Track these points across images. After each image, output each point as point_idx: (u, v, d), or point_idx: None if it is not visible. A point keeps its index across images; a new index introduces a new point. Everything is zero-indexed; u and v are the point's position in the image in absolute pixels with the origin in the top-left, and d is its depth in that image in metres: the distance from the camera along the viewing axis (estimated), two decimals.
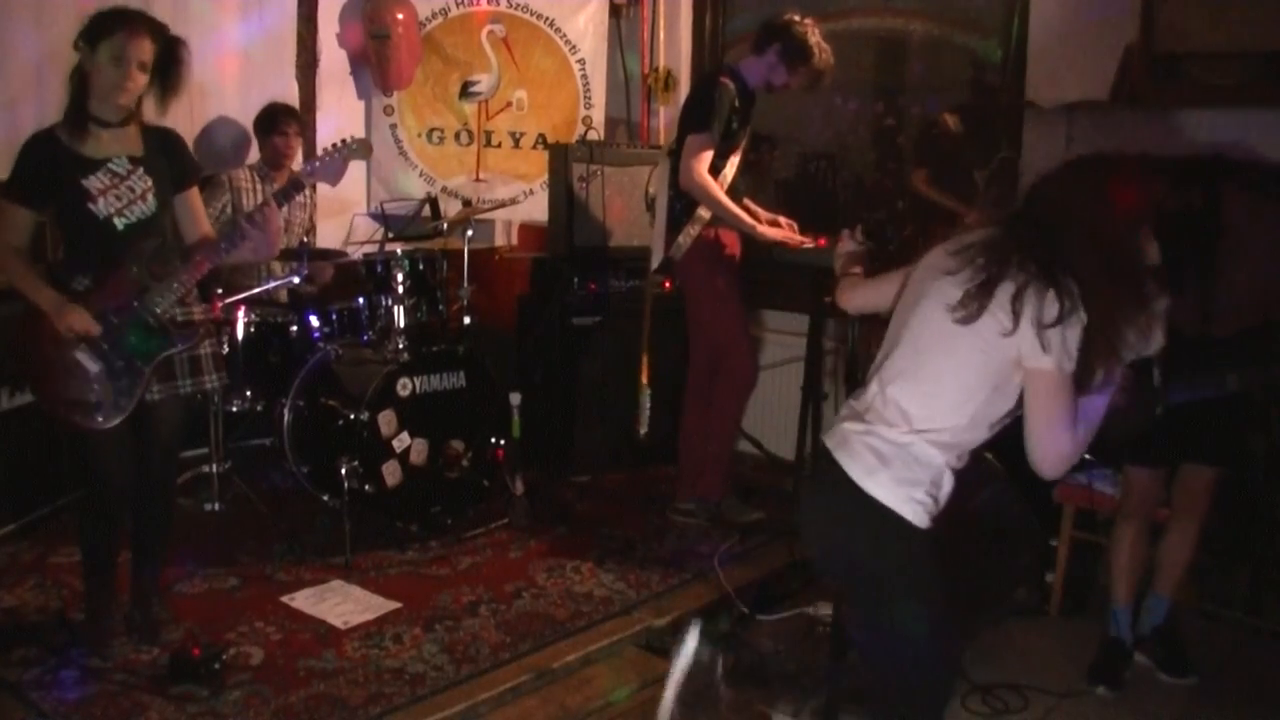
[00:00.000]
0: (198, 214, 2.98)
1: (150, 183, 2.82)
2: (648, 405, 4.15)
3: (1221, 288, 2.86)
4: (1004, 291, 1.93)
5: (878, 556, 2.07)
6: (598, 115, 5.64)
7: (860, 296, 2.43)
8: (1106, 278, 1.91)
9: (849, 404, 2.15)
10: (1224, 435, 3.00)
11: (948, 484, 2.03)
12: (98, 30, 2.69)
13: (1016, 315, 1.91)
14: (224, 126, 4.87)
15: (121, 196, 2.78)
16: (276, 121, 4.57)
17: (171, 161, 2.90)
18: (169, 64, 2.77)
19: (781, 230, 3.92)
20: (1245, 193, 2.87)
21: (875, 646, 2.22)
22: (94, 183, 2.75)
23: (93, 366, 2.76)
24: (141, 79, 2.73)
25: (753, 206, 3.96)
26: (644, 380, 4.14)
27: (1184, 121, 3.35)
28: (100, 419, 2.77)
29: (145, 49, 2.70)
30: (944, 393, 2.00)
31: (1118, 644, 3.19)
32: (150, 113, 2.89)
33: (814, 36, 3.77)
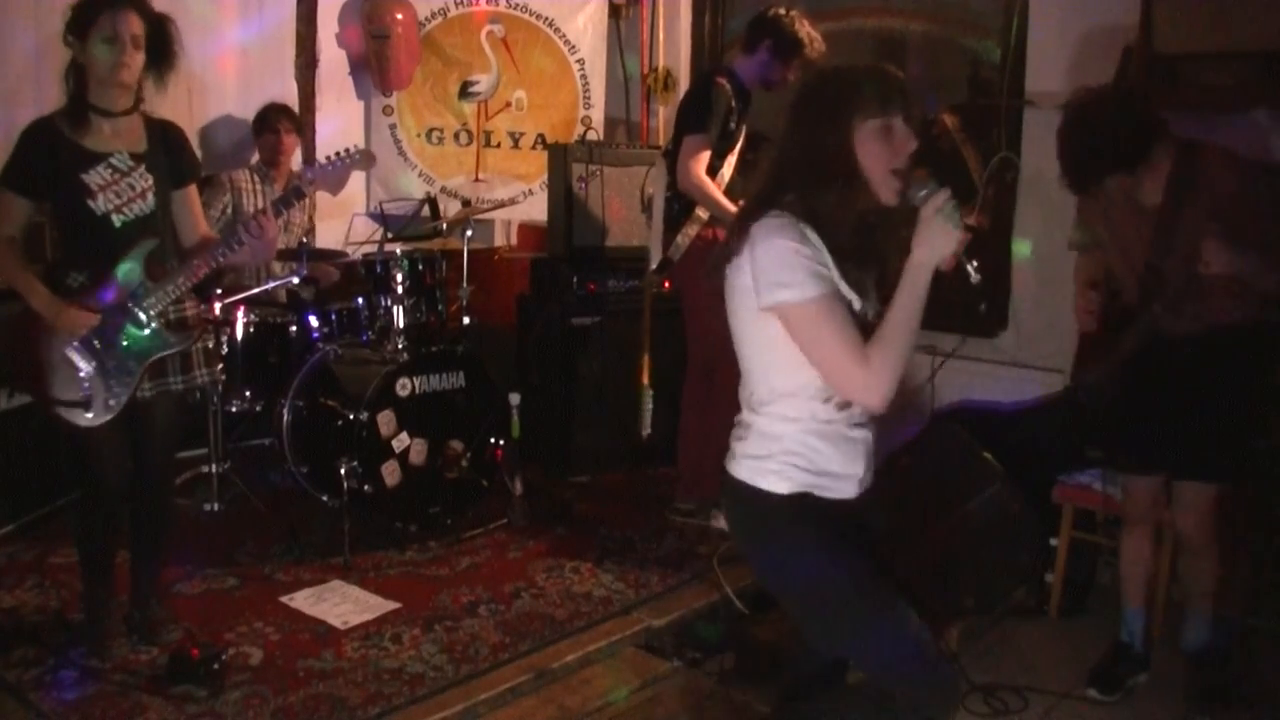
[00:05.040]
0: (195, 213, 2.97)
1: (151, 181, 2.80)
2: (650, 406, 4.14)
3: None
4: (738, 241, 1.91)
5: (766, 541, 2.01)
6: (597, 115, 5.65)
7: None
8: (811, 174, 1.87)
9: None
10: (1217, 448, 2.89)
11: (812, 447, 1.94)
12: (84, 18, 2.67)
13: (740, 260, 1.89)
14: (224, 127, 4.88)
15: (121, 194, 2.76)
16: (268, 120, 4.59)
17: (172, 158, 2.88)
18: (160, 42, 2.75)
19: None
20: (1227, 159, 2.77)
21: (848, 651, 2.10)
22: (94, 178, 2.72)
23: (84, 365, 2.74)
24: (138, 56, 2.71)
25: None
26: (645, 381, 4.14)
27: (1183, 122, 3.36)
28: (90, 416, 2.76)
29: (135, 23, 2.68)
30: (753, 363, 2.00)
31: (1123, 648, 3.15)
32: (151, 98, 2.85)
33: (803, 27, 3.76)
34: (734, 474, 2.02)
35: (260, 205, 4.50)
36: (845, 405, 1.95)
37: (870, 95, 1.88)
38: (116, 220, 2.76)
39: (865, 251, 1.91)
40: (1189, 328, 2.81)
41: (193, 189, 2.97)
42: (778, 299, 1.84)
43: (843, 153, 1.87)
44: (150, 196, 2.81)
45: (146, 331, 2.81)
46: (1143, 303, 2.86)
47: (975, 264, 1.87)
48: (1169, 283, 2.79)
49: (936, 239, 1.82)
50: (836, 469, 1.96)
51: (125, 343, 2.78)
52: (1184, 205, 2.74)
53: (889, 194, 1.90)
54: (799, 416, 1.94)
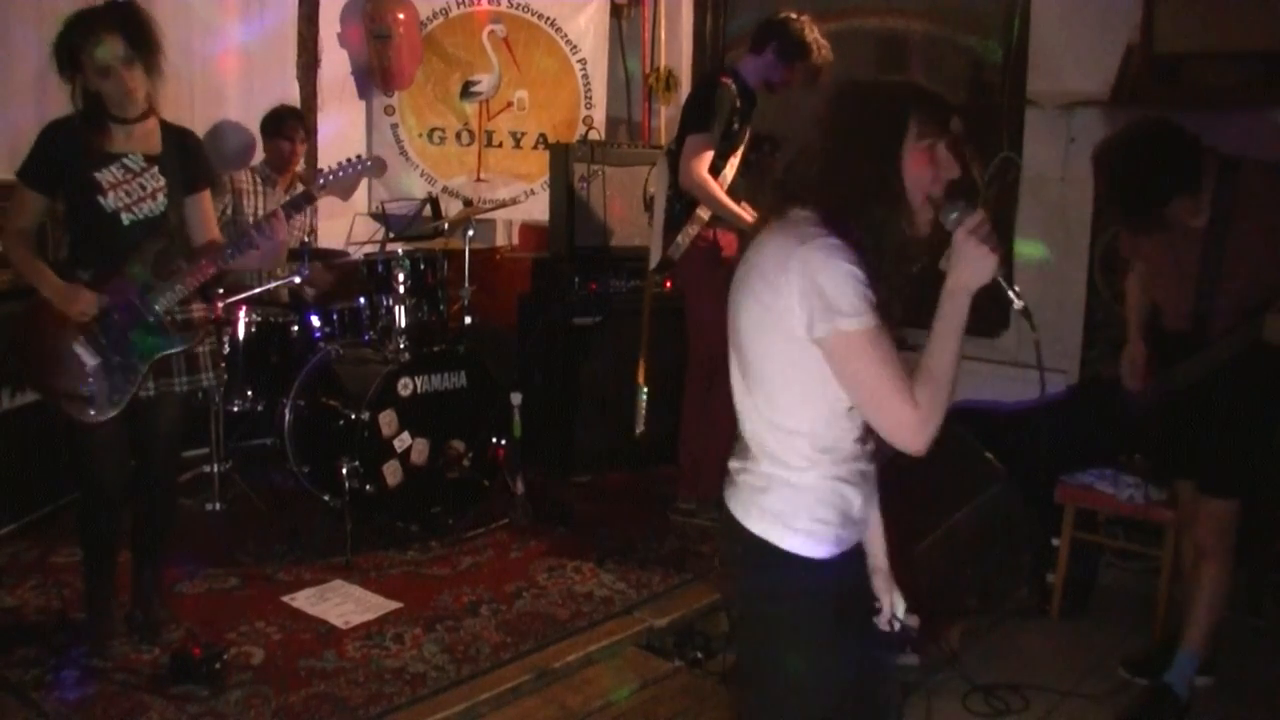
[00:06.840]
0: (207, 218, 2.98)
1: (162, 182, 2.83)
2: (644, 404, 4.15)
3: (1226, 275, 2.80)
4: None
5: (764, 598, 1.83)
6: (599, 115, 5.65)
7: None
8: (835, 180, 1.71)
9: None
10: (1231, 459, 2.88)
11: (841, 495, 1.77)
12: (68, 57, 2.68)
13: (778, 280, 1.68)
14: (226, 127, 4.88)
15: (132, 193, 2.79)
16: (282, 126, 4.59)
17: (186, 163, 2.90)
18: (139, 34, 2.72)
19: None
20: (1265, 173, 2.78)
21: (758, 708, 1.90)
22: (106, 176, 2.76)
23: (90, 360, 2.77)
24: (136, 71, 2.72)
25: (750, 210, 3.95)
26: (640, 380, 4.14)
27: (1184, 122, 3.37)
28: (93, 412, 2.78)
29: (118, 45, 2.67)
30: (778, 407, 1.78)
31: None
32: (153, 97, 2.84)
33: (811, 32, 3.77)
34: (747, 525, 1.79)
35: (261, 206, 4.51)
36: (865, 439, 1.77)
37: (924, 115, 1.72)
38: (125, 219, 2.78)
39: (886, 270, 1.73)
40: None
41: (206, 195, 2.99)
42: (837, 327, 1.63)
43: (893, 172, 1.71)
44: (161, 197, 2.83)
45: (152, 329, 2.82)
46: (1196, 329, 2.86)
47: (1017, 289, 1.69)
48: (1220, 304, 2.80)
49: (974, 264, 1.65)
50: (857, 514, 1.80)
51: (131, 339, 2.80)
52: (1230, 224, 2.76)
53: (923, 222, 1.72)
54: (821, 460, 1.75)
